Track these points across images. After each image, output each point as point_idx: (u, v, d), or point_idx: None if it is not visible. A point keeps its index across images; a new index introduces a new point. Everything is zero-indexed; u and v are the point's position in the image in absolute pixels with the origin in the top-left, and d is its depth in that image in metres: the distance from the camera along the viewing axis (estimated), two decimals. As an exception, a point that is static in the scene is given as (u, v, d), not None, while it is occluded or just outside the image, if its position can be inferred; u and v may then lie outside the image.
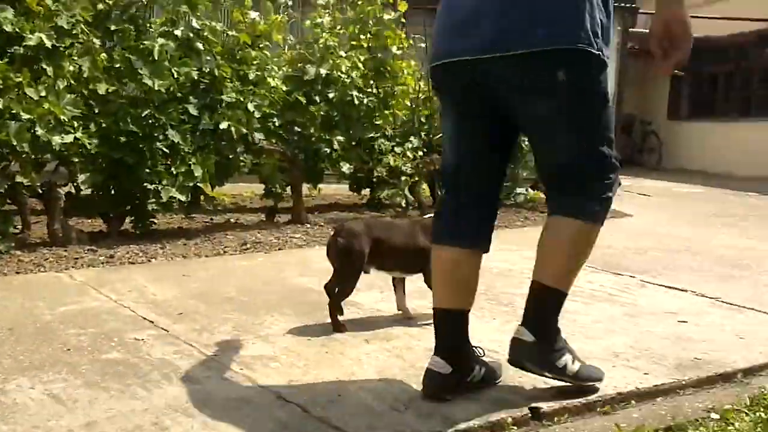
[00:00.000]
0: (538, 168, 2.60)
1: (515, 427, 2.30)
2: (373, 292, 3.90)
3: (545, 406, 2.40)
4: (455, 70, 2.36)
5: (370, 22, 7.04)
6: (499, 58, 2.24)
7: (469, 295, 2.57)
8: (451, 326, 2.53)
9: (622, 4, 11.89)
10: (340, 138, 6.57)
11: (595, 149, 2.42)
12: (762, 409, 2.47)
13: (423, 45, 7.53)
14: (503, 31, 2.22)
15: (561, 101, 2.29)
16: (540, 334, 2.46)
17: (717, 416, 2.41)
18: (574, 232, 2.50)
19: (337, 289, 3.21)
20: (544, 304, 2.52)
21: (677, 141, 15.36)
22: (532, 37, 2.20)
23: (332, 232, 3.24)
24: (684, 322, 3.50)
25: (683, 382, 2.70)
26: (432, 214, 2.76)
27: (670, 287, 4.23)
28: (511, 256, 5.02)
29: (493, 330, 3.30)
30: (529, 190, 7.98)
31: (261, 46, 6.18)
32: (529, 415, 2.36)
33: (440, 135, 7.03)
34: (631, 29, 11.93)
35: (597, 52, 2.27)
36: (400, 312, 3.45)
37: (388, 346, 3.04)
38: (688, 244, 5.75)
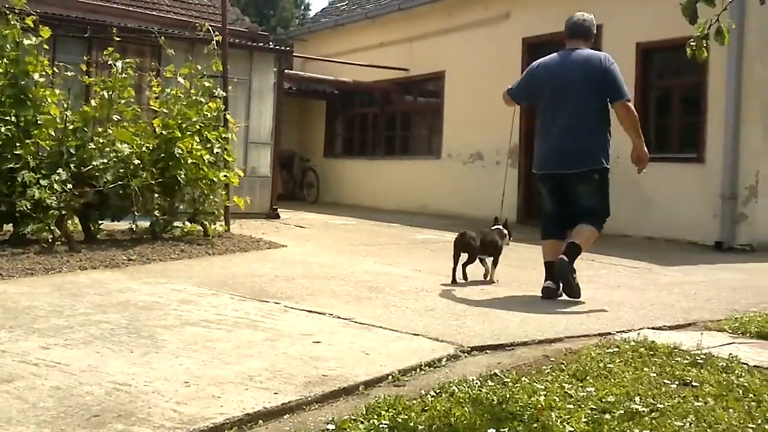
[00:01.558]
0: (576, 209, 5.48)
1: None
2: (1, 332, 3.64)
3: (173, 434, 2.44)
4: (549, 176, 5.53)
5: (8, 46, 6.57)
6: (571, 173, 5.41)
7: (556, 255, 5.29)
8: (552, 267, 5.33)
9: (279, 47, 12.52)
10: (-26, 169, 6.01)
11: (605, 205, 5.50)
12: (375, 417, 2.76)
13: (70, 74, 7.20)
14: (573, 160, 5.36)
15: (594, 185, 5.41)
16: (569, 258, 5.22)
17: (333, 427, 2.64)
18: (590, 231, 5.39)
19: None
20: (576, 250, 5.27)
21: (333, 177, 16.44)
22: (582, 165, 5.35)
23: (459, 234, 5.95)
24: (318, 342, 3.77)
25: (309, 398, 2.91)
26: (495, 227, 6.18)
27: (310, 311, 4.52)
28: (159, 289, 4.99)
29: (128, 363, 3.25)
30: (187, 223, 7.98)
31: None
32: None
33: (90, 167, 6.73)
34: (286, 71, 12.58)
35: (608, 167, 5.38)
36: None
37: (8, 388, 2.85)
38: (333, 271, 6.18)
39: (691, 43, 4.13)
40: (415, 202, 14.17)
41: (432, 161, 14.35)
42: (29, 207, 6.27)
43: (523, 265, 7.20)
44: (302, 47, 17.59)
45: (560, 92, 5.38)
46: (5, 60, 6.56)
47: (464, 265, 5.97)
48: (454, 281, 5.87)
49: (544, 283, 5.36)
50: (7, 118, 6.40)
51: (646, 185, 10.16)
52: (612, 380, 3.27)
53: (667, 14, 7.95)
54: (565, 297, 5.31)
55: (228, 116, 8.47)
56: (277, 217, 11.11)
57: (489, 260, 6.05)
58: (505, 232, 6.14)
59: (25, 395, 2.78)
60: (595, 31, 5.67)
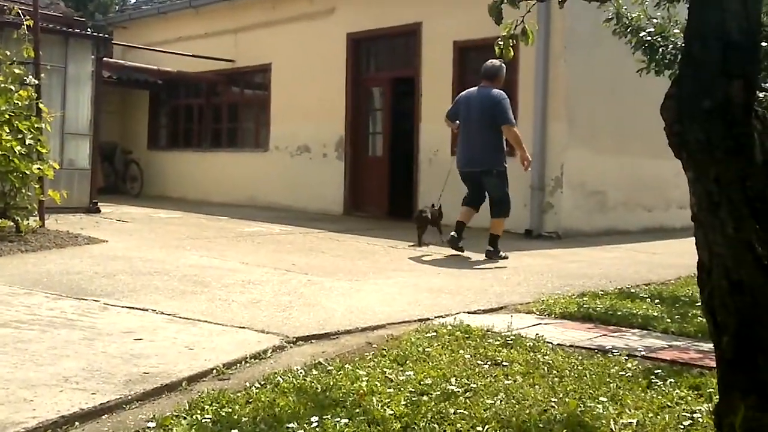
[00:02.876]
0: (490, 199, 7.76)
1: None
2: None
3: (-21, 440, 2.33)
4: (466, 172, 7.84)
5: None
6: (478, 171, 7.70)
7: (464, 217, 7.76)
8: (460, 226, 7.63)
9: (97, 33, 11.94)
10: None
11: (505, 193, 7.67)
12: (199, 412, 2.76)
13: None
14: (477, 162, 7.66)
15: (495, 180, 7.62)
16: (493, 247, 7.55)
17: (154, 424, 2.62)
18: (498, 220, 7.67)
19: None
20: (495, 239, 7.53)
21: (158, 169, 15.92)
22: (485, 166, 7.64)
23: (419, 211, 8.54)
24: (140, 339, 3.70)
25: (130, 397, 2.87)
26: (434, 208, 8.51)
27: (132, 308, 4.41)
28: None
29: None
30: (-3, 218, 7.50)
31: None
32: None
33: None
34: (106, 59, 12.03)
35: (502, 168, 7.67)
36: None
37: None
38: (157, 266, 6.03)
39: (499, 43, 4.43)
40: (243, 194, 14.03)
41: (259, 154, 14.27)
42: None
43: (349, 255, 7.37)
44: (123, 35, 16.85)
45: (469, 116, 7.69)
46: None
47: (420, 235, 8.22)
48: (420, 244, 8.14)
49: (451, 233, 7.59)
50: None
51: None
52: (430, 363, 3.46)
53: (481, 15, 8.39)
54: (396, 288, 5.54)
55: (41, 105, 8.01)
56: (98, 211, 10.63)
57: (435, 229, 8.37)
58: (441, 212, 8.52)
59: None
60: (500, 74, 7.75)
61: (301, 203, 12.88)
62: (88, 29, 12.44)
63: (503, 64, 7.69)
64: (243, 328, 4.03)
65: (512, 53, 4.54)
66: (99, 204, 10.86)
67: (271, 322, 4.17)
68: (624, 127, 10.75)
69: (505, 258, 7.46)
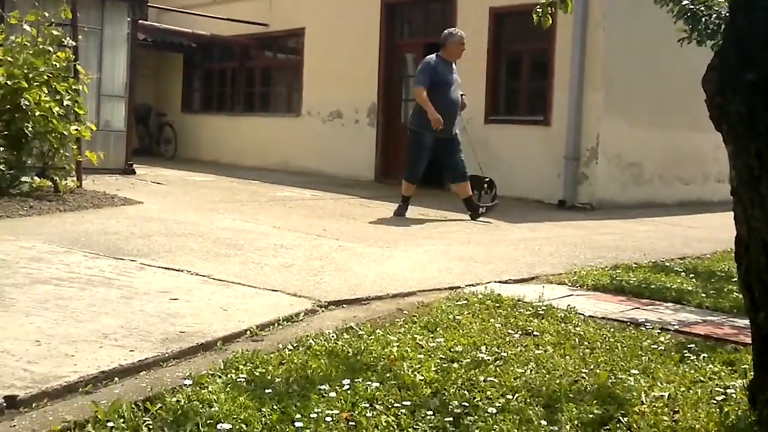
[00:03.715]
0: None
1: (-12, 419, 2.26)
2: None
3: (23, 393, 2.40)
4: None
5: None
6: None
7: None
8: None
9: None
10: None
11: (408, 159, 8.24)
12: (233, 371, 2.82)
13: None
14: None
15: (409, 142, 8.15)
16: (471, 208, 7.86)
17: (190, 382, 2.68)
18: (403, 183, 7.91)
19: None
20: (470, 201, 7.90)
21: (191, 133, 16.01)
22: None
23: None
24: (175, 299, 3.77)
25: (167, 355, 2.93)
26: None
27: (167, 268, 4.49)
28: (7, 247, 4.78)
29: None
30: (36, 178, 7.62)
31: None
32: (5, 404, 2.34)
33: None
34: (141, 21, 12.05)
35: (415, 130, 7.87)
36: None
37: None
38: (191, 228, 6.11)
39: (538, 10, 4.37)
40: (274, 159, 14.08)
41: (291, 119, 14.28)
42: None
43: (379, 222, 7.39)
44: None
45: None
46: None
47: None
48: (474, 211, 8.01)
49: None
50: None
51: (496, 146, 10.62)
52: (460, 331, 3.48)
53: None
54: (426, 256, 5.57)
55: (78, 67, 8.09)
56: (133, 172, 10.76)
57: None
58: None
59: None
60: (445, 43, 7.81)
61: (332, 169, 12.90)
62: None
63: (452, 32, 7.84)
64: (275, 291, 4.08)
65: (550, 21, 4.49)
66: (134, 166, 10.99)
67: (303, 286, 4.21)
68: (663, 98, 10.57)
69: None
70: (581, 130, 9.95)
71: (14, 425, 2.27)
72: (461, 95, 7.97)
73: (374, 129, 12.55)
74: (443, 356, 3.11)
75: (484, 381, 2.81)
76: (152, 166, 12.16)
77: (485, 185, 8.62)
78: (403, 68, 12.71)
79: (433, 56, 7.86)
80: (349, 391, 2.63)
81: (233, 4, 15.06)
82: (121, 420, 2.31)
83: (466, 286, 4.50)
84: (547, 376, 2.91)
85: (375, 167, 12.48)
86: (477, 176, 8.42)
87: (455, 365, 2.99)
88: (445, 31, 7.93)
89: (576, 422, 2.47)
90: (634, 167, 10.49)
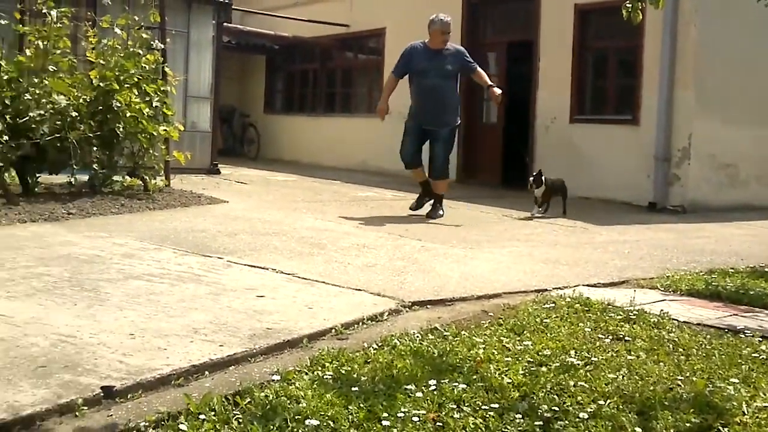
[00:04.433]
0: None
1: (86, 408, 2.33)
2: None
3: (119, 384, 2.46)
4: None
5: (-63, -10, 6.31)
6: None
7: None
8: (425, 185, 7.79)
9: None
10: None
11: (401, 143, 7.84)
12: (320, 368, 2.83)
13: (3, 22, 6.96)
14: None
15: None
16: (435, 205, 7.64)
17: (279, 378, 2.70)
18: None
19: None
20: (441, 199, 7.66)
21: (273, 133, 16.28)
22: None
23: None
24: (262, 296, 3.81)
25: (255, 351, 2.96)
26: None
27: (253, 266, 4.55)
28: (101, 243, 4.94)
29: (73, 315, 3.25)
30: (127, 177, 7.86)
31: None
32: (102, 394, 2.40)
33: (26, 118, 6.60)
34: (225, 24, 12.31)
35: (407, 118, 7.77)
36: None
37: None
38: (275, 227, 6.19)
39: (627, 6, 4.23)
40: (354, 159, 14.16)
41: (372, 119, 14.23)
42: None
43: (462, 223, 7.32)
44: (242, 0, 17.21)
45: None
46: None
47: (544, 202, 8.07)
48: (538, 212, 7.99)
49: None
50: (-63, 67, 6.16)
51: (582, 146, 10.39)
52: (548, 335, 3.41)
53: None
54: (511, 258, 5.48)
55: (167, 69, 8.30)
56: (218, 172, 11.00)
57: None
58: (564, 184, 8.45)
59: None
60: (429, 29, 7.63)
61: (412, 169, 12.86)
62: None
63: (433, 20, 7.59)
64: (359, 290, 4.08)
65: (641, 16, 4.35)
66: (219, 165, 11.23)
67: (386, 286, 4.20)
68: (760, 97, 10.14)
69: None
70: (672, 129, 9.62)
71: (111, 414, 2.33)
72: (491, 86, 7.68)
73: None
74: (531, 360, 3.04)
75: (574, 386, 2.74)
76: (236, 166, 12.40)
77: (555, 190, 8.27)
78: (484, 67, 12.54)
79: (416, 42, 7.71)
80: (435, 392, 2.61)
81: (315, 5, 15.23)
82: (212, 413, 2.34)
83: (552, 289, 4.40)
84: (640, 382, 2.81)
85: (456, 167, 12.38)
86: (546, 179, 8.07)
87: (544, 369, 2.92)
88: (430, 17, 7.69)
89: (672, 431, 2.38)
90: (729, 168, 10.07)
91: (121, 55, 7.65)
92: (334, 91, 15.88)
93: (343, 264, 4.79)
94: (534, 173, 8.15)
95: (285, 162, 14.99)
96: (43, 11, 7.28)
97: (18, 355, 2.68)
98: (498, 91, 7.57)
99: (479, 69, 7.89)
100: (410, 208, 7.73)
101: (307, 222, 6.70)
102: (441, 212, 7.66)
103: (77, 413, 2.30)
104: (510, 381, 2.78)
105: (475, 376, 2.80)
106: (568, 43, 10.63)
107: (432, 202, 7.73)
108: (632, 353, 3.18)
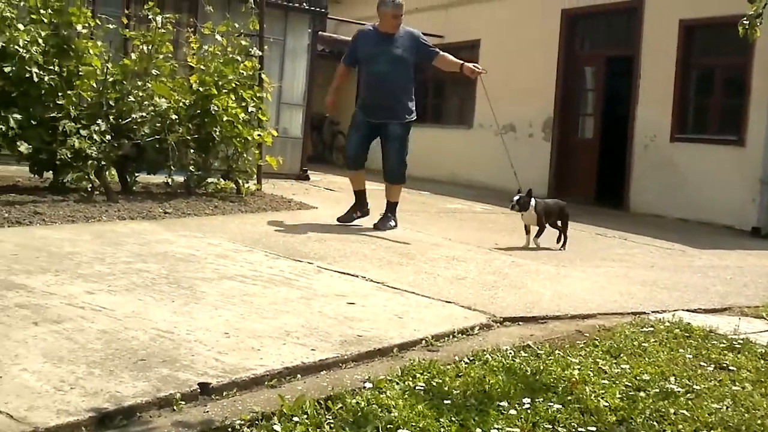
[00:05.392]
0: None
1: (183, 402, 2.36)
2: (46, 275, 3.71)
3: (215, 381, 2.49)
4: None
5: (52, -4, 6.60)
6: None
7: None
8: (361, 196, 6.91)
9: (314, 8, 12.40)
10: (18, 116, 6.06)
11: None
12: (411, 379, 2.80)
13: (112, 26, 7.25)
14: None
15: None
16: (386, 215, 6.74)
17: (371, 385, 2.68)
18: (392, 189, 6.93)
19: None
20: (393, 208, 6.77)
21: (363, 142, 16.37)
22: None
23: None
24: (352, 303, 3.80)
25: (346, 357, 2.96)
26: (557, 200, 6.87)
27: (343, 272, 4.56)
28: (195, 243, 5.05)
29: (170, 311, 3.31)
30: (220, 179, 8.03)
31: None
32: (199, 390, 2.43)
33: (129, 120, 6.84)
34: (320, 32, 12.48)
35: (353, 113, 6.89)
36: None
37: (58, 328, 2.92)
38: (364, 235, 6.20)
39: (744, 22, 4.05)
40: (444, 171, 14.10)
41: (463, 131, 14.25)
42: (69, 156, 6.33)
43: (553, 239, 7.16)
44: (336, 9, 17.40)
45: None
46: (49, 10, 6.58)
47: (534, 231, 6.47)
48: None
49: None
50: (51, 67, 6.44)
51: (682, 165, 10.03)
52: (646, 359, 3.29)
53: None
54: (606, 278, 5.32)
55: (263, 76, 8.46)
56: (307, 178, 11.14)
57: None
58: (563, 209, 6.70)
59: (74, 336, 2.85)
60: (378, 9, 6.75)
61: (502, 183, 12.67)
62: (305, 4, 12.99)
63: (383, 0, 6.64)
64: (449, 302, 4.03)
65: (758, 34, 4.16)
66: (308, 172, 11.37)
67: (477, 300, 4.13)
68: None
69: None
70: (781, 151, 9.18)
71: (207, 411, 2.36)
72: (463, 63, 6.71)
73: (549, 144, 12.27)
74: (629, 384, 2.94)
75: (675, 413, 2.63)
76: (324, 173, 12.53)
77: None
78: (581, 82, 12.35)
79: (367, 26, 7.09)
80: (529, 410, 2.55)
81: (409, 15, 15.09)
82: (305, 416, 2.34)
83: (651, 312, 4.24)
84: (746, 414, 2.67)
85: (548, 183, 12.19)
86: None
87: (642, 394, 2.82)
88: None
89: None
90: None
91: (221, 61, 7.83)
92: (425, 102, 15.87)
93: (433, 275, 4.75)
94: (518, 194, 6.37)
95: (372, 170, 14.98)
96: (149, 17, 7.53)
97: (119, 347, 2.75)
98: (471, 65, 6.68)
99: (441, 53, 6.94)
100: (338, 219, 6.77)
101: (395, 231, 6.68)
102: (392, 222, 6.77)
103: (175, 407, 2.33)
104: (607, 404, 2.69)
105: (569, 397, 2.72)
106: (672, 59, 10.30)
107: (384, 211, 6.84)
108: (737, 384, 3.03)
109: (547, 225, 6.41)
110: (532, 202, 6.30)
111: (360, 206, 6.93)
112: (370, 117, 6.68)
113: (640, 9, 10.84)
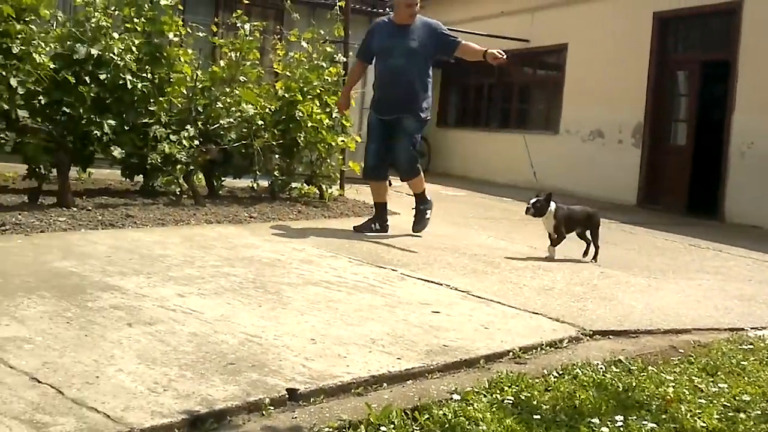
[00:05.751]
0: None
1: (272, 408, 2.37)
2: (139, 277, 3.81)
3: (302, 387, 2.49)
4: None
5: (146, 5, 6.80)
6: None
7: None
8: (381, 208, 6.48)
9: (378, 10, 12.35)
10: (112, 122, 6.28)
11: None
12: (498, 392, 2.74)
13: (201, 34, 7.43)
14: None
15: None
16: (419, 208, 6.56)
17: (458, 397, 2.64)
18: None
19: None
20: (422, 198, 6.60)
21: (445, 147, 16.34)
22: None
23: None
24: (437, 312, 3.76)
25: (432, 367, 2.92)
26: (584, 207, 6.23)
27: (427, 280, 4.52)
28: (280, 247, 5.10)
29: (258, 316, 3.35)
30: (304, 184, 8.12)
31: (27, 19, 5.75)
32: (287, 396, 2.44)
33: (217, 125, 6.99)
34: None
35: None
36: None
37: (151, 330, 2.99)
38: (447, 242, 6.15)
39: None
40: (526, 176, 13.87)
41: (549, 136, 14.01)
42: (159, 161, 6.51)
43: (644, 250, 6.96)
44: (420, 14, 17.43)
45: None
46: (143, 19, 6.79)
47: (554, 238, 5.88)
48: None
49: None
50: (144, 74, 6.64)
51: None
52: (746, 378, 3.14)
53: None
54: (700, 291, 5.12)
55: (347, 81, 8.52)
56: (390, 184, 11.12)
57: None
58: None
59: (166, 339, 2.91)
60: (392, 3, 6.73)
61: (588, 190, 12.45)
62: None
63: None
64: (537, 314, 3.94)
65: None
66: (390, 177, 11.34)
67: (565, 312, 4.03)
68: None
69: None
70: None
71: (295, 417, 2.36)
72: (486, 51, 6.26)
73: (639, 150, 11.93)
74: (727, 404, 2.81)
75: (779, 438, 2.48)
76: (407, 179, 12.49)
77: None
78: (673, 86, 11.96)
79: (381, 18, 6.78)
80: (622, 428, 2.46)
81: (494, 20, 15.15)
82: (392, 426, 2.32)
83: (750, 328, 4.05)
84: None
85: (638, 191, 11.85)
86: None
87: (742, 415, 2.69)
88: None
89: None
90: None
91: (306, 67, 7.93)
92: (510, 107, 15.70)
93: (518, 285, 4.66)
94: (536, 196, 5.79)
95: (454, 177, 14.98)
96: (237, 25, 7.69)
97: (209, 350, 2.79)
98: (494, 51, 6.17)
99: (464, 42, 6.53)
100: (354, 228, 6.34)
101: (478, 239, 6.61)
102: (427, 216, 6.50)
103: (264, 412, 2.35)
104: (704, 425, 2.57)
105: (664, 416, 2.62)
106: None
107: (414, 208, 6.58)
108: None
109: (566, 235, 5.81)
110: (552, 206, 5.71)
111: (380, 219, 6.48)
112: (383, 114, 6.28)
113: (738, 11, 10.43)
